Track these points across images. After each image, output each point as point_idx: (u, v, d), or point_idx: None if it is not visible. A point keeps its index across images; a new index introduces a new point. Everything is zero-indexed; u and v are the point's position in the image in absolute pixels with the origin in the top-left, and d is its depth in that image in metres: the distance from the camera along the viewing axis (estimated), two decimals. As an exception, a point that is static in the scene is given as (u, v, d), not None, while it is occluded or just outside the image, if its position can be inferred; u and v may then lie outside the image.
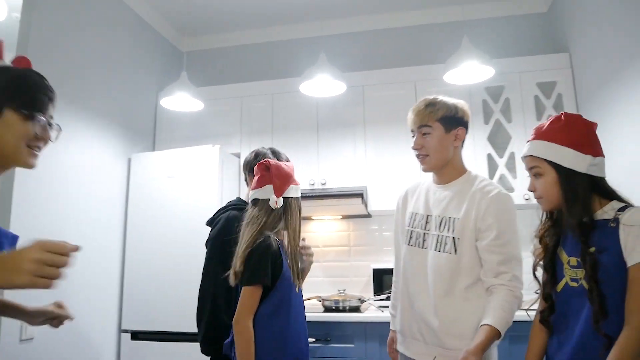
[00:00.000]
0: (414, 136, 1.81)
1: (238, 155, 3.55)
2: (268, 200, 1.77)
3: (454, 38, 2.82)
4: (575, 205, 1.36)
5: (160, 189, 3.21)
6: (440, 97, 1.82)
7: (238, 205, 2.14)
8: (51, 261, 0.93)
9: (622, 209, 1.33)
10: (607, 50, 2.64)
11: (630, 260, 1.26)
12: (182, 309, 2.87)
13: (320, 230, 3.67)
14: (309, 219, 3.67)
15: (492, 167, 3.21)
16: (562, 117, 1.44)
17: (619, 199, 1.38)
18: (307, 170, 3.41)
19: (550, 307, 1.45)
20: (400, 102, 3.34)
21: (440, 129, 1.75)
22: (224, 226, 2.04)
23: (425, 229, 1.78)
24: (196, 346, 2.04)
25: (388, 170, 3.31)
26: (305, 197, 3.36)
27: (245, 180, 2.24)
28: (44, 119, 1.23)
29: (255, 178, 1.84)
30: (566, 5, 3.26)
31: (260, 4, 3.66)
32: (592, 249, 1.32)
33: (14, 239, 1.36)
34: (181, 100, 3.12)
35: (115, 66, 3.28)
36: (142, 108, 3.63)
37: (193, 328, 2.08)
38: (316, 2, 3.58)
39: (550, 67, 3.23)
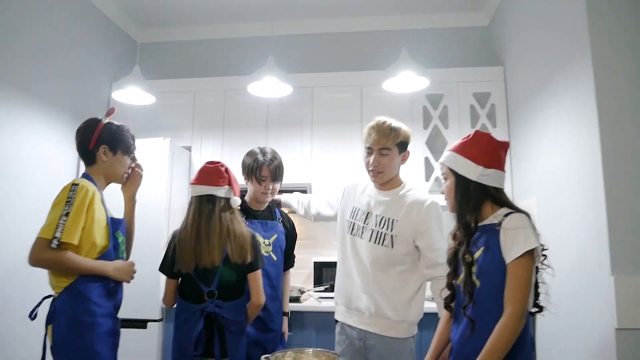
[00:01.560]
0: (370, 153, 2.09)
1: (189, 149, 3.65)
2: (229, 199, 2.11)
3: (398, 45, 3.01)
4: (466, 208, 1.61)
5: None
6: (398, 123, 2.10)
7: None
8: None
9: (507, 215, 1.55)
10: (536, 65, 2.88)
11: (507, 258, 1.49)
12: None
13: (268, 224, 3.81)
14: (256, 212, 3.81)
15: (429, 169, 3.44)
16: (472, 134, 1.68)
17: (510, 206, 1.61)
18: (256, 165, 3.55)
19: (451, 295, 1.69)
20: (346, 104, 3.53)
21: (396, 151, 2.09)
22: None
23: (364, 223, 2.13)
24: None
25: (332, 168, 3.49)
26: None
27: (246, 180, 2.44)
28: (133, 157, 2.11)
29: (212, 177, 2.11)
30: (504, 21, 3.50)
31: (216, 0, 3.75)
32: (481, 249, 1.56)
33: (122, 222, 2.05)
34: (133, 94, 3.19)
35: (68, 54, 3.30)
36: (95, 98, 3.66)
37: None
38: (268, 2, 3.69)
39: (486, 79, 3.48)
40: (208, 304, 1.98)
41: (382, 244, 2.06)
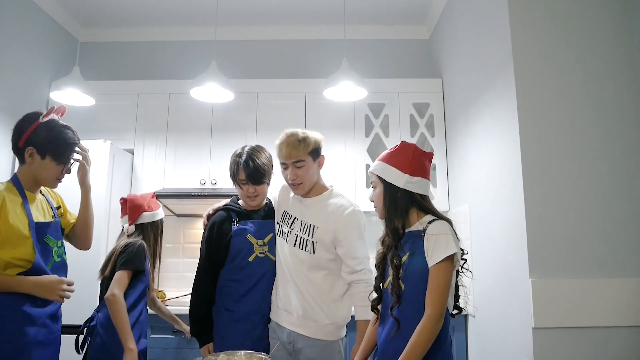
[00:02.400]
0: (285, 168, 2.12)
1: (131, 152, 3.60)
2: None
3: (341, 54, 3.09)
4: (394, 214, 1.71)
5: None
6: (305, 132, 2.12)
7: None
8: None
9: (431, 222, 1.66)
10: (469, 79, 3.03)
11: (429, 262, 1.59)
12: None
13: (211, 228, 3.80)
14: (199, 216, 3.79)
15: (369, 177, 3.53)
16: (399, 145, 1.79)
17: (434, 213, 1.71)
18: (199, 169, 3.55)
19: (378, 298, 1.79)
20: (291, 111, 3.58)
21: (310, 160, 2.11)
22: None
23: (290, 227, 2.17)
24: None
25: (276, 174, 3.51)
26: (196, 196, 3.50)
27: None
28: (69, 165, 1.95)
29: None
30: (444, 35, 3.65)
31: (159, 2, 3.72)
32: (407, 254, 1.65)
33: (54, 225, 1.94)
34: (72, 95, 3.12)
35: (3, 50, 3.20)
36: (32, 97, 3.55)
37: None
38: (211, 7, 3.69)
39: (426, 90, 3.62)
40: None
41: (305, 249, 2.10)
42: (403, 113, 3.59)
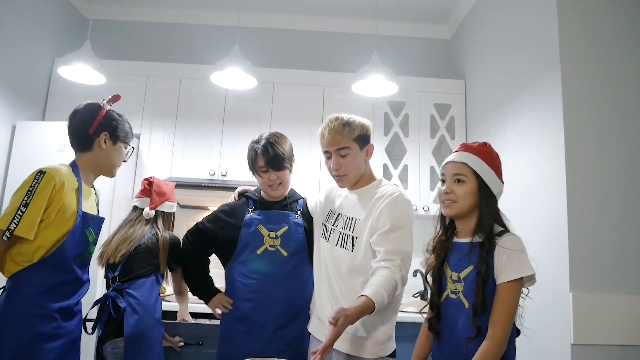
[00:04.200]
0: (329, 157, 1.88)
1: (137, 136, 3.42)
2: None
3: (364, 50, 2.97)
4: (490, 220, 1.52)
5: (48, 162, 2.98)
6: (350, 116, 1.89)
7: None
8: None
9: (499, 234, 1.51)
10: (498, 81, 2.93)
11: (499, 279, 1.44)
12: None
13: (216, 221, 3.64)
14: (204, 208, 3.63)
15: (387, 176, 3.41)
16: (487, 145, 1.63)
17: (501, 224, 1.56)
18: (209, 160, 3.39)
19: (436, 315, 1.59)
20: (308, 104, 3.44)
21: (356, 147, 1.85)
22: None
23: (334, 225, 1.91)
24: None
25: (302, 169, 3.37)
26: (204, 187, 3.35)
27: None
28: (130, 149, 2.03)
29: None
30: (467, 36, 3.56)
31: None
32: (472, 266, 1.48)
33: (100, 221, 1.96)
34: (81, 72, 2.93)
35: (5, 24, 3.00)
36: (34, 73, 3.36)
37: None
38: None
39: (448, 91, 3.52)
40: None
41: (345, 247, 1.84)
42: (424, 113, 3.48)
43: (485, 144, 1.63)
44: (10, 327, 1.65)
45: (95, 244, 1.93)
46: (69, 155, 1.94)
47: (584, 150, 2.09)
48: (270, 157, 2.00)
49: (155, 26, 3.96)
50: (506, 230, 1.54)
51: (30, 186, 1.68)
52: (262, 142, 2.04)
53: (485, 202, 1.54)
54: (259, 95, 3.43)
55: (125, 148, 2.00)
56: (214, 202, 3.54)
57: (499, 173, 1.58)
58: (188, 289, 2.33)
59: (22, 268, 1.69)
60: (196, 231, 2.19)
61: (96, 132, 1.89)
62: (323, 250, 1.93)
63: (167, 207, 2.33)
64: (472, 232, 1.55)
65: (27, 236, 1.66)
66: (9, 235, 1.64)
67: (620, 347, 1.94)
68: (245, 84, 2.93)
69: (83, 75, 2.98)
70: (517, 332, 1.55)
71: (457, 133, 3.45)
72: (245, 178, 3.30)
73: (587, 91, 2.13)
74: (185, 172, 3.37)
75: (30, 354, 1.66)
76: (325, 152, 1.89)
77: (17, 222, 1.64)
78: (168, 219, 2.36)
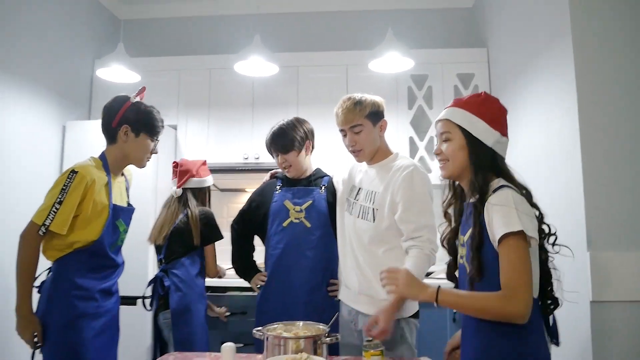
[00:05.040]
0: (345, 135, 2.03)
1: (175, 127, 3.64)
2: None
3: (383, 25, 3.03)
4: (480, 175, 1.42)
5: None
6: (362, 95, 2.03)
7: None
8: None
9: (497, 189, 1.39)
10: (518, 47, 2.93)
11: (493, 239, 1.34)
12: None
13: (253, 202, 3.83)
14: (242, 191, 3.84)
15: (413, 149, 3.49)
16: (482, 94, 1.52)
17: (507, 178, 1.44)
18: (242, 144, 3.57)
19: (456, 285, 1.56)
20: (332, 84, 3.54)
21: (369, 124, 2.00)
22: None
23: (355, 199, 2.07)
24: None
25: (317, 148, 3.50)
26: (240, 170, 3.55)
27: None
28: (157, 142, 2.05)
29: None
30: (488, 3, 3.53)
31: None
32: (470, 230, 1.42)
33: (130, 211, 2.04)
34: (117, 72, 3.16)
35: (48, 32, 3.25)
36: (78, 75, 3.62)
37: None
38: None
39: (470, 60, 3.52)
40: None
41: (366, 219, 1.98)
42: (447, 84, 3.51)
43: (479, 94, 1.52)
44: (57, 306, 1.82)
45: (126, 232, 2.05)
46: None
47: (598, 111, 2.10)
48: (276, 141, 2.25)
49: (181, 21, 4.14)
50: (506, 185, 1.41)
51: (64, 185, 1.80)
52: (274, 127, 2.28)
53: (475, 156, 1.43)
54: (285, 80, 3.56)
55: (152, 141, 2.02)
56: (249, 184, 3.74)
57: (493, 122, 1.44)
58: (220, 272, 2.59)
59: (64, 254, 1.86)
60: (237, 217, 2.41)
61: (118, 124, 1.95)
62: (347, 223, 2.08)
63: (194, 183, 2.48)
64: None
65: (60, 231, 1.80)
66: (44, 230, 1.78)
67: (639, 303, 1.98)
68: (269, 70, 3.06)
69: (119, 75, 3.20)
70: (553, 302, 1.47)
71: (482, 102, 3.46)
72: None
73: (598, 53, 2.13)
74: (220, 157, 3.56)
75: (75, 330, 1.83)
76: (341, 130, 2.05)
77: (52, 218, 1.77)
78: (201, 195, 2.52)
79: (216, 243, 2.51)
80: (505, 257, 1.32)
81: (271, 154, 2.33)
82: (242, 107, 3.62)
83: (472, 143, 1.44)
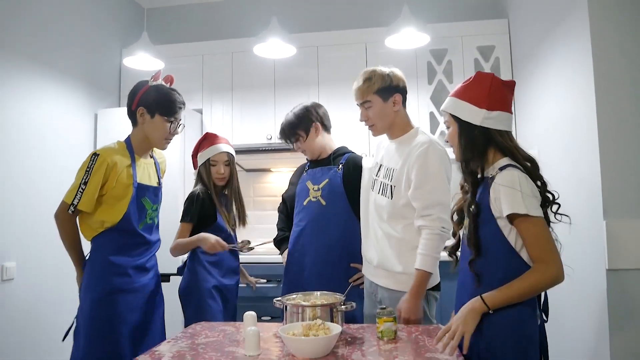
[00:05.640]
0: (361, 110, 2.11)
1: (200, 111, 3.76)
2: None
3: (399, 0, 3.03)
4: (469, 156, 1.52)
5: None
6: (378, 69, 2.07)
7: None
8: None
9: (503, 168, 1.47)
10: (540, 16, 2.89)
11: (501, 213, 1.43)
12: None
13: (278, 181, 3.93)
14: (268, 170, 3.94)
15: (434, 124, 3.51)
16: (473, 76, 1.60)
17: (513, 154, 1.51)
18: (265, 125, 3.66)
19: (456, 245, 1.68)
20: (352, 62, 3.57)
21: (378, 100, 2.03)
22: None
23: (376, 176, 2.11)
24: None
25: (339, 126, 3.56)
26: (263, 150, 3.65)
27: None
28: (175, 123, 2.09)
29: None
30: (508, -28, 3.47)
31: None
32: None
33: (156, 190, 2.14)
34: (143, 60, 3.27)
35: (76, 22, 3.37)
36: (106, 64, 3.76)
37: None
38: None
39: (490, 32, 3.48)
40: None
41: (385, 195, 2.02)
42: (467, 58, 3.49)
43: (471, 77, 1.60)
44: (93, 281, 1.96)
45: (156, 210, 2.16)
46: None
47: (614, 82, 2.08)
48: (283, 136, 2.47)
49: (202, 7, 4.21)
50: (511, 164, 1.49)
51: (88, 167, 1.93)
52: (283, 121, 2.48)
53: (465, 138, 1.53)
54: (305, 60, 3.61)
55: (168, 122, 2.06)
56: (274, 164, 3.85)
57: (478, 100, 1.51)
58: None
59: (97, 233, 1.99)
60: (281, 202, 2.68)
61: (137, 107, 2.05)
62: (370, 199, 2.14)
63: (201, 159, 2.47)
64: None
65: (87, 210, 1.94)
66: (73, 209, 1.92)
67: (655, 270, 1.99)
68: (287, 51, 3.12)
69: (145, 63, 3.32)
70: (544, 306, 1.55)
71: (503, 74, 3.43)
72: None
73: (614, 22, 2.10)
74: (245, 139, 3.67)
75: (108, 305, 1.95)
76: (358, 105, 2.12)
77: (79, 198, 1.91)
78: (207, 170, 2.45)
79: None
80: (526, 233, 1.42)
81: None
82: (264, 89, 3.70)
83: (463, 127, 1.55)
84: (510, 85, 1.61)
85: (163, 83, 2.12)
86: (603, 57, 2.10)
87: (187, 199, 2.44)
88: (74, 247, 2.02)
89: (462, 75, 3.47)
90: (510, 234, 1.46)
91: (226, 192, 2.54)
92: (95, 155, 1.96)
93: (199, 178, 2.49)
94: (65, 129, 3.23)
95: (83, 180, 1.92)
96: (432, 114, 3.51)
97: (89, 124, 3.50)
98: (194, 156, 2.54)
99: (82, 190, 1.92)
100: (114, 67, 3.84)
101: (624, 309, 1.99)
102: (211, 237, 2.29)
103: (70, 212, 1.94)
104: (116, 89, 3.86)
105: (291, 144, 2.48)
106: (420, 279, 1.86)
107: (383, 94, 2.03)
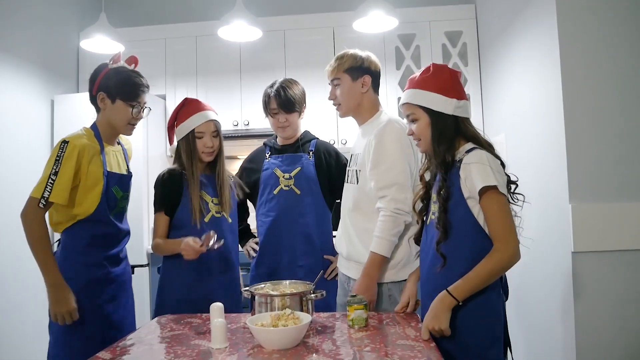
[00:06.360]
0: None
1: (163, 97, 3.64)
2: None
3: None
4: (442, 145, 1.54)
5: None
6: (352, 50, 2.04)
7: None
8: None
9: (469, 150, 1.52)
10: (506, 2, 2.89)
11: (467, 193, 1.47)
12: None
13: (246, 169, 3.85)
14: (234, 158, 3.85)
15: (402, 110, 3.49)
16: (430, 68, 1.60)
17: (476, 139, 1.57)
18: (231, 111, 3.57)
19: (419, 231, 1.71)
20: (319, 47, 3.52)
21: (347, 79, 2.00)
22: None
23: (349, 166, 2.08)
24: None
25: (307, 111, 3.51)
26: (230, 137, 3.56)
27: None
28: (139, 107, 1.95)
29: None
30: (475, -43, 3.46)
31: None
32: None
33: (125, 178, 2.02)
34: (102, 43, 3.13)
35: (29, 2, 3.20)
36: (63, 48, 3.59)
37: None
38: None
39: (458, 17, 3.49)
40: None
41: (352, 182, 2.01)
42: (435, 43, 3.48)
43: (427, 68, 1.60)
44: (67, 275, 1.85)
45: (126, 198, 2.05)
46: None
47: (579, 67, 2.09)
48: (282, 100, 2.23)
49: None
50: (477, 146, 1.54)
51: (57, 156, 1.80)
52: (276, 85, 2.27)
53: (438, 128, 1.55)
54: (272, 44, 3.53)
55: (130, 107, 1.93)
56: (240, 151, 3.75)
57: (447, 90, 1.54)
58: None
59: (69, 225, 1.89)
60: None
61: (97, 92, 1.94)
62: (344, 190, 2.11)
63: (181, 131, 2.09)
64: None
65: (60, 201, 1.80)
66: (44, 203, 1.78)
67: (619, 252, 2.02)
68: (253, 34, 3.03)
69: (105, 46, 3.17)
70: (504, 286, 1.58)
71: (470, 59, 3.45)
72: (267, 125, 3.50)
73: (582, 7, 2.11)
74: (211, 126, 3.57)
75: (90, 295, 1.88)
76: (329, 84, 2.07)
77: (49, 190, 1.78)
78: (189, 144, 2.07)
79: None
80: (488, 210, 1.46)
81: (269, 114, 2.30)
82: (230, 74, 3.61)
83: (435, 117, 1.56)
84: (460, 75, 1.65)
85: (125, 65, 2.00)
86: (569, 41, 2.11)
87: (154, 183, 2.15)
88: (45, 245, 1.83)
89: (430, 60, 3.44)
90: (480, 214, 1.49)
91: (215, 171, 2.13)
92: (64, 142, 1.84)
93: (178, 155, 2.11)
94: (20, 115, 3.08)
95: (53, 171, 1.79)
96: (399, 99, 3.48)
97: (46, 111, 3.34)
98: (170, 128, 2.16)
99: (52, 181, 1.79)
100: (71, 51, 3.67)
101: (588, 289, 2.03)
102: (192, 247, 1.89)
103: (41, 206, 1.79)
104: (74, 73, 3.70)
105: (275, 114, 2.26)
106: (372, 261, 1.82)
107: (352, 73, 2.00)
